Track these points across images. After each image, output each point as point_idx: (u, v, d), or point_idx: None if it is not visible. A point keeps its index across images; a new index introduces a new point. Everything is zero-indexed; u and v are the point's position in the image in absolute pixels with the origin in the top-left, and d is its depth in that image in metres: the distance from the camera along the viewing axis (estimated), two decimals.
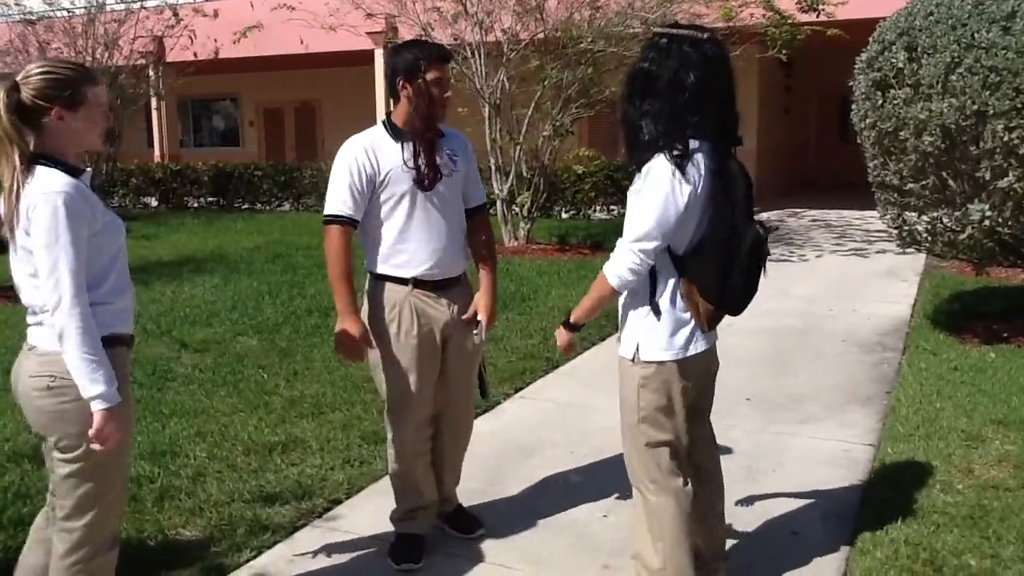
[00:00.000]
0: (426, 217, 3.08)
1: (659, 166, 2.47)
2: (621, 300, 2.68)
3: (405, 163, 3.02)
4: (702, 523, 2.76)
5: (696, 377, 2.68)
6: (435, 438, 3.27)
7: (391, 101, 3.13)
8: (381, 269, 3.12)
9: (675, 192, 2.45)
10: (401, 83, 3.00)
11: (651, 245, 2.49)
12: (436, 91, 2.98)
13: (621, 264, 2.53)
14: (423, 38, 10.90)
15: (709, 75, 2.48)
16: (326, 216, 3.09)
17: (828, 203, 14.47)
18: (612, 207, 13.33)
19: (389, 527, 3.39)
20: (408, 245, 3.08)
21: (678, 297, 2.57)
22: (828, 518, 3.48)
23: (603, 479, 3.87)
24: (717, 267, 2.54)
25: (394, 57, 3.05)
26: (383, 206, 3.06)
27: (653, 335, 2.58)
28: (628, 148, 2.60)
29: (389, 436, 3.23)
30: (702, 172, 2.49)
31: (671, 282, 2.58)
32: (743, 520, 3.46)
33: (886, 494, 3.59)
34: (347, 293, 3.05)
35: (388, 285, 3.11)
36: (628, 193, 2.60)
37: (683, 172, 2.45)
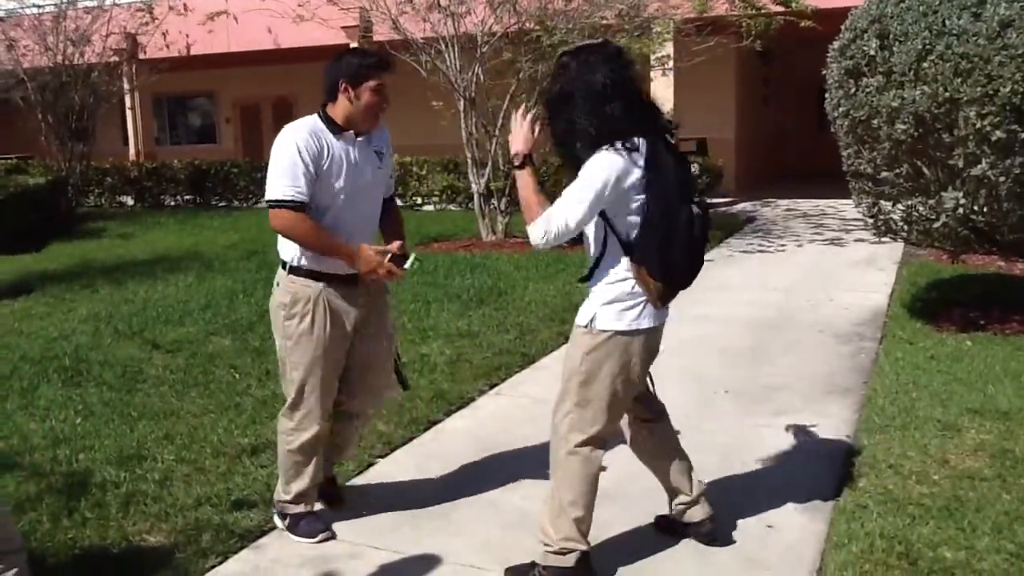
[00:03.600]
0: (353, 211, 3.19)
1: (598, 155, 2.72)
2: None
3: (344, 156, 3.13)
4: (676, 452, 3.19)
5: (641, 351, 2.88)
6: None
7: (329, 98, 3.19)
8: (302, 262, 3.16)
9: (611, 170, 2.70)
10: (344, 86, 3.13)
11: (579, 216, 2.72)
12: (377, 98, 3.15)
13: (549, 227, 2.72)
14: (397, 34, 10.84)
15: (617, 74, 2.75)
16: (274, 200, 3.07)
17: (806, 192, 14.48)
18: None
19: (359, 531, 3.34)
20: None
21: (630, 276, 2.82)
22: (804, 510, 3.45)
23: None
24: (657, 246, 2.78)
25: (337, 62, 3.19)
26: (317, 196, 3.10)
27: (608, 308, 2.82)
28: (569, 164, 2.82)
29: (294, 423, 3.25)
30: (638, 163, 2.74)
31: (623, 261, 2.82)
32: (718, 513, 3.42)
33: (862, 485, 3.56)
34: (341, 244, 3.10)
35: (302, 280, 3.17)
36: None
37: (628, 157, 2.72)
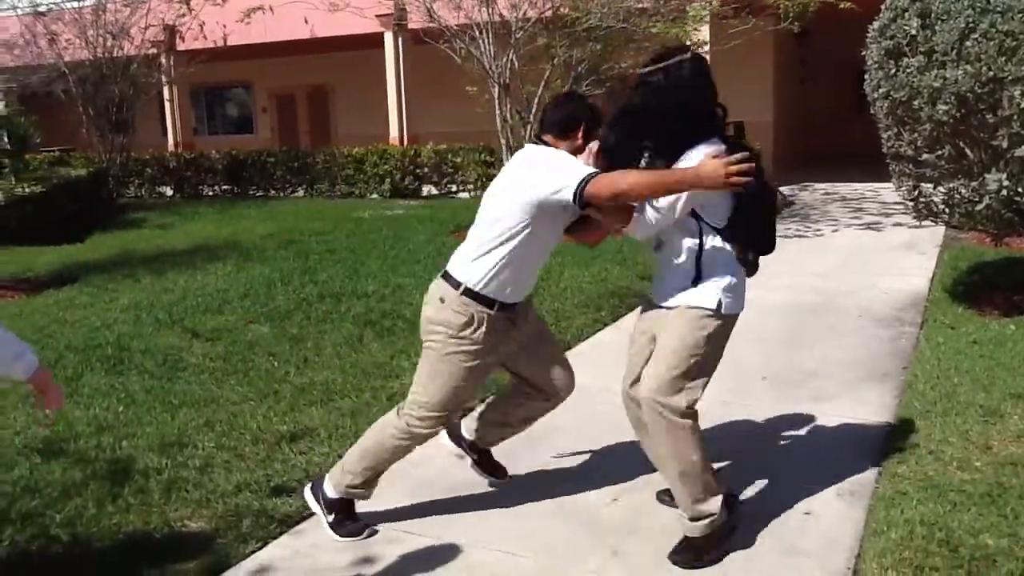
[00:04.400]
0: (547, 246, 3.17)
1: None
2: (674, 270, 3.04)
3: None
4: None
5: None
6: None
7: (554, 132, 3.12)
8: (482, 289, 3.08)
9: None
10: (582, 130, 3.09)
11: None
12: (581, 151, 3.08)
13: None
14: (431, 21, 10.83)
15: (702, 85, 2.94)
16: (586, 177, 2.86)
17: (845, 176, 14.27)
18: None
19: (397, 517, 3.38)
20: (524, 275, 3.15)
21: (735, 259, 3.03)
22: (842, 497, 3.42)
23: (612, 464, 3.82)
24: (754, 225, 3.03)
25: (582, 103, 3.21)
26: (536, 222, 3.00)
27: (730, 292, 3.01)
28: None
29: (415, 426, 3.20)
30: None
31: (726, 246, 3.00)
32: (756, 499, 3.41)
33: (902, 472, 3.52)
34: (678, 171, 2.88)
35: (478, 305, 3.09)
36: None
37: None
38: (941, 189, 5.91)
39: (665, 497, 3.38)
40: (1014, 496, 3.24)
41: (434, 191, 15.45)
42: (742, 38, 11.49)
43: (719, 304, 2.98)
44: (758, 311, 6.26)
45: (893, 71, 5.71)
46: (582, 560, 3.07)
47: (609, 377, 4.86)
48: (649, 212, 2.91)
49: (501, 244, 3.03)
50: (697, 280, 3.00)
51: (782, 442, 3.99)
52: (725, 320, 3.02)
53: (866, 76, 6.02)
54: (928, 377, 4.56)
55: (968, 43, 5.22)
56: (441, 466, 3.86)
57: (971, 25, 5.22)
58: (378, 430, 3.28)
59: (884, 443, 3.89)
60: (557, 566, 3.04)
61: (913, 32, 5.52)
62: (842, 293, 6.78)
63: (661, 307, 3.09)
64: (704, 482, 3.01)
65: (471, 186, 15.12)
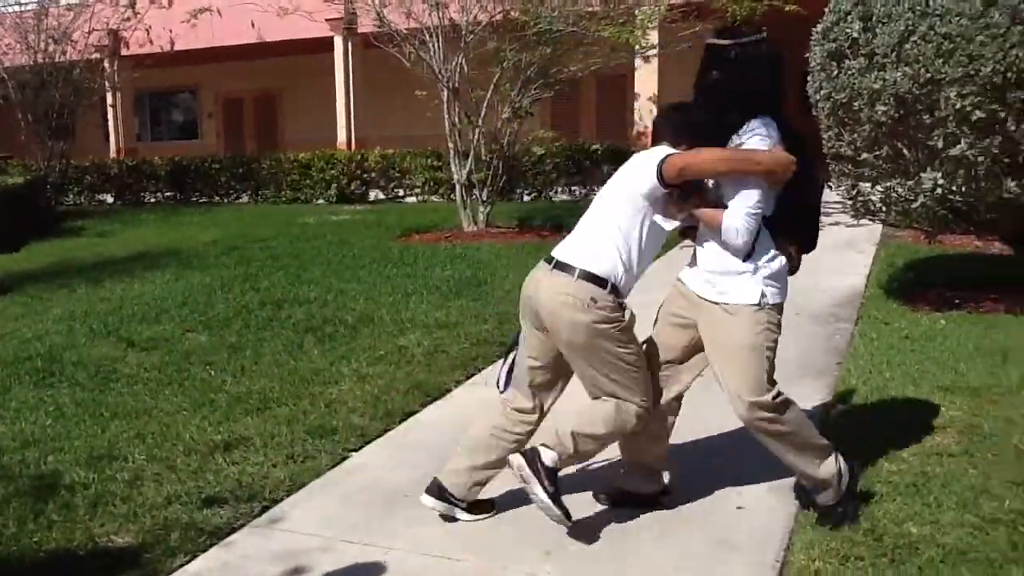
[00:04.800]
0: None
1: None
2: (713, 259, 3.03)
3: None
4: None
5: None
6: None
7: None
8: (622, 281, 3.08)
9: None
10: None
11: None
12: None
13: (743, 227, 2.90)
14: (381, 26, 10.77)
15: (776, 66, 3.01)
16: (668, 153, 3.00)
17: None
18: (574, 188, 13.24)
19: (331, 525, 3.33)
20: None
21: (778, 252, 3.01)
22: (774, 491, 3.44)
23: None
24: (803, 220, 3.06)
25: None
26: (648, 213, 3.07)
27: (771, 283, 3.01)
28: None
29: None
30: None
31: (770, 239, 2.99)
32: (691, 496, 3.42)
33: None
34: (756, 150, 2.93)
35: (619, 300, 3.08)
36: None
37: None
38: (879, 188, 6.02)
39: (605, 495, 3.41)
40: (937, 485, 3.30)
41: (381, 196, 15.38)
42: (691, 41, 11.63)
43: (762, 296, 2.99)
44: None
45: (835, 73, 5.80)
46: (518, 561, 3.06)
47: None
48: (744, 220, 2.89)
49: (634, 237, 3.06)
50: (742, 271, 2.98)
51: (717, 439, 4.01)
52: (774, 310, 3.05)
53: (808, 77, 6.11)
54: (861, 372, 4.63)
55: (907, 46, 5.32)
56: (375, 473, 3.83)
57: (911, 28, 5.31)
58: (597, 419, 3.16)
59: None
60: (494, 569, 3.02)
61: (855, 35, 5.61)
62: None
63: (698, 295, 3.09)
64: (819, 447, 3.10)
65: (418, 190, 15.07)
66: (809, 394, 4.52)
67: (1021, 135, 5.23)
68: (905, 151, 5.61)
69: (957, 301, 5.89)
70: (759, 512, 3.30)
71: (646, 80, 14.18)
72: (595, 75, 14.56)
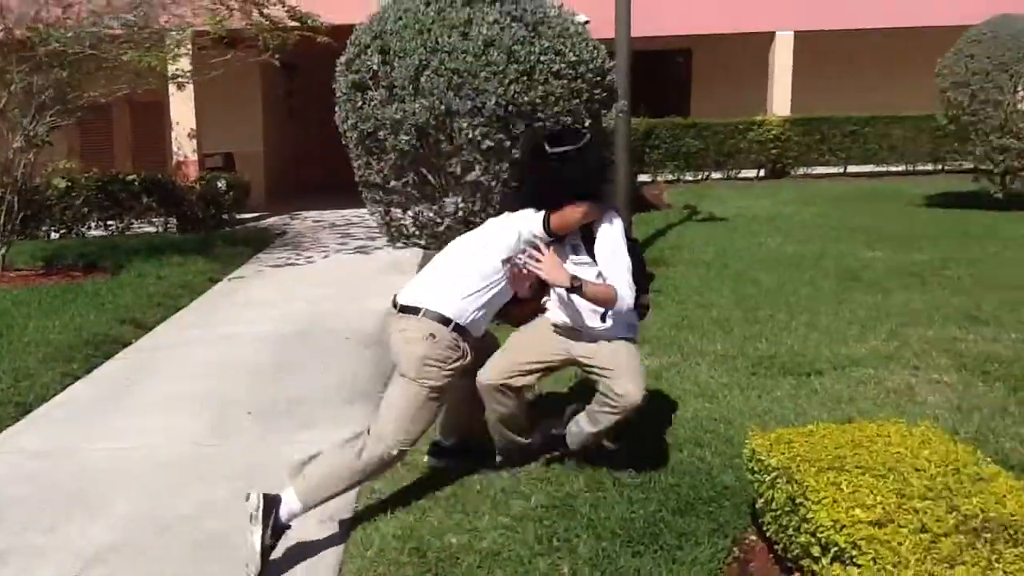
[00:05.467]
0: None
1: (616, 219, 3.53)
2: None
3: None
4: None
5: None
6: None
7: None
8: (467, 323, 3.43)
9: None
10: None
11: None
12: None
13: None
14: None
15: (595, 166, 3.58)
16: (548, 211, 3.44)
17: (334, 204, 14.75)
18: (110, 222, 12.22)
19: None
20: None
21: None
22: (324, 522, 3.42)
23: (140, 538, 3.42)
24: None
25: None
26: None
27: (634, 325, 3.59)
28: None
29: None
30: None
31: None
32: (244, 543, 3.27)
33: (379, 487, 3.64)
34: None
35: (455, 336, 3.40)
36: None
37: None
38: (409, 213, 6.34)
39: None
40: (474, 492, 3.52)
41: None
42: (223, 69, 11.35)
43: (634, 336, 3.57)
44: (247, 343, 6.16)
45: (360, 104, 6.00)
46: None
47: (76, 437, 4.41)
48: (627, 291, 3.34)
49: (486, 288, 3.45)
50: (605, 317, 3.42)
51: (265, 477, 3.89)
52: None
53: (336, 108, 6.25)
54: None
55: (423, 79, 5.66)
56: None
57: (424, 63, 5.66)
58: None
59: None
60: None
61: (375, 67, 5.85)
62: (331, 317, 6.94)
63: (581, 338, 3.50)
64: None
65: None
66: (357, 416, 4.61)
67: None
68: (430, 177, 5.99)
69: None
70: (310, 547, 3.25)
71: (182, 108, 13.61)
72: (128, 102, 13.66)
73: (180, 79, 11.62)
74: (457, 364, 3.38)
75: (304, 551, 3.22)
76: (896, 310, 6.22)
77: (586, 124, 6.02)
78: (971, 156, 11.81)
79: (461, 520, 3.30)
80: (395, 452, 3.29)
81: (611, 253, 3.41)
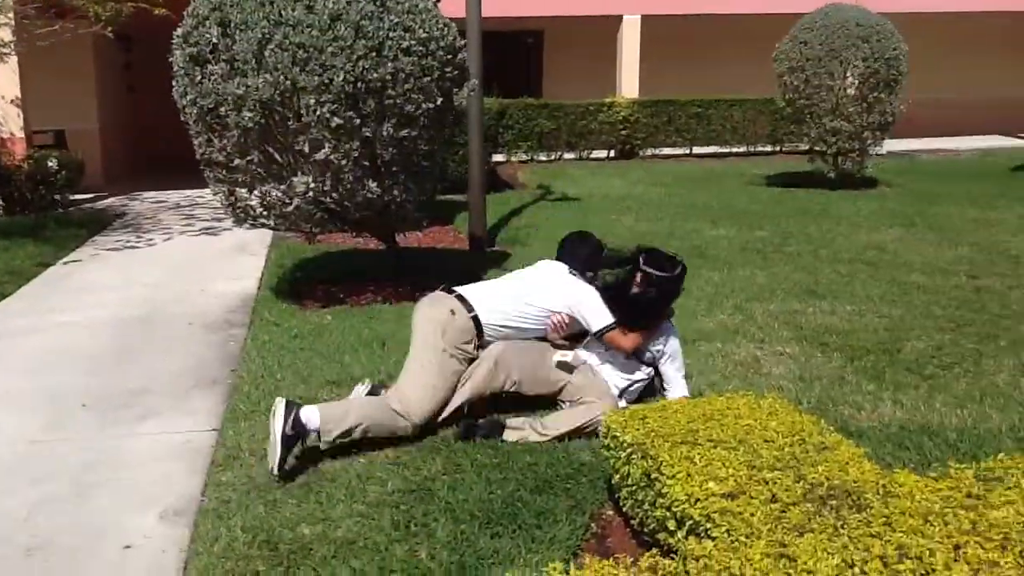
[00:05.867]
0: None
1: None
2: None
3: None
4: None
5: None
6: None
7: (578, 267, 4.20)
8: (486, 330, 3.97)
9: None
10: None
11: None
12: None
13: None
14: None
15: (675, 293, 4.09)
16: (612, 324, 3.95)
17: (178, 183, 14.08)
18: None
19: None
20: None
21: None
22: (167, 519, 3.24)
23: None
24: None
25: (598, 245, 4.39)
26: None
27: None
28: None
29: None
30: None
31: None
32: (73, 540, 3.04)
33: (227, 479, 3.48)
34: None
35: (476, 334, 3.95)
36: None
37: None
38: (256, 193, 6.08)
39: None
40: (327, 480, 3.40)
41: None
42: (50, 41, 10.60)
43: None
44: (84, 331, 5.78)
45: (199, 78, 5.70)
46: None
47: None
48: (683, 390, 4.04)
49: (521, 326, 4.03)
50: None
51: (103, 472, 3.66)
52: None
53: (174, 83, 5.92)
54: (254, 377, 4.62)
55: (266, 53, 5.42)
56: None
57: (267, 36, 5.41)
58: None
59: (212, 453, 3.80)
60: None
61: (215, 40, 5.56)
62: (174, 301, 6.60)
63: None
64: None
65: None
66: (203, 405, 4.40)
67: (379, 140, 5.70)
68: (277, 156, 5.76)
69: (341, 296, 6.24)
70: (152, 546, 3.07)
71: (6, 81, 12.66)
72: None
73: (2, 51, 10.81)
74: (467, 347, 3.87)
75: (145, 550, 3.03)
76: (741, 285, 6.45)
77: (438, 102, 5.95)
78: (806, 138, 12.36)
79: (314, 509, 3.18)
80: (403, 429, 3.69)
81: (670, 359, 4.04)
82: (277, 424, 3.43)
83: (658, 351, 4.02)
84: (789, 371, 4.60)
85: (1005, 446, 3.52)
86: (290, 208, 5.89)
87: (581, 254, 4.18)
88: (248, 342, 5.34)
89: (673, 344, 4.05)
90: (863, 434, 3.68)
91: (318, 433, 3.55)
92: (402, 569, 2.78)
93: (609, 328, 3.90)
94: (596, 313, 3.94)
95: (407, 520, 3.07)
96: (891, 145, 13.34)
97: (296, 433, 3.47)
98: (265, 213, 6.18)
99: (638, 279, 3.90)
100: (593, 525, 3.07)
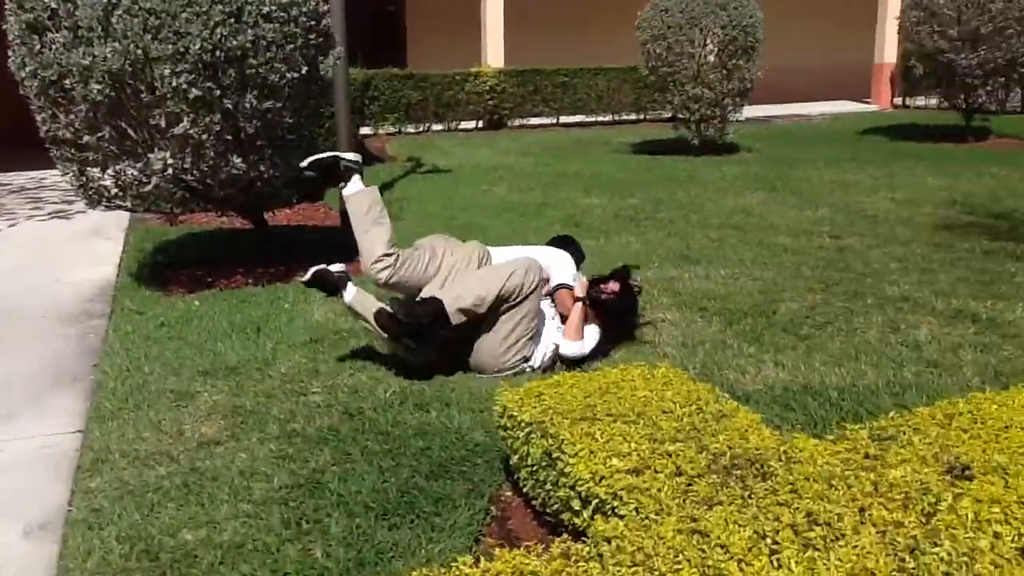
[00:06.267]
0: None
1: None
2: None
3: None
4: None
5: None
6: None
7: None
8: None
9: None
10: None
11: None
12: None
13: None
14: None
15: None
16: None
17: (25, 163, 13.13)
18: None
19: None
20: None
21: None
22: (31, 535, 2.97)
23: None
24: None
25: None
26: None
27: None
28: None
29: None
30: None
31: None
32: None
33: (97, 485, 3.21)
34: None
35: None
36: None
37: None
38: (109, 172, 5.69)
39: None
40: (208, 479, 3.19)
41: None
42: None
43: None
44: None
45: (38, 48, 5.27)
46: None
47: None
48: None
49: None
50: None
51: None
52: None
53: (9, 52, 5.45)
54: (119, 371, 4.32)
55: (113, 19, 5.05)
56: None
57: (114, 2, 5.05)
58: None
59: (78, 457, 3.52)
60: None
61: (54, 6, 5.15)
62: (25, 293, 6.11)
63: None
64: None
65: None
66: (64, 404, 4.08)
67: (241, 112, 5.41)
68: (130, 131, 5.40)
69: (209, 279, 5.92)
70: (13, 566, 2.80)
71: None
72: None
73: None
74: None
75: (8, 572, 2.76)
76: (618, 253, 6.48)
77: (303, 71, 5.70)
78: (670, 105, 12.59)
79: (196, 512, 2.97)
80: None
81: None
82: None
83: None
84: (672, 338, 4.64)
85: (884, 402, 3.64)
86: (148, 187, 5.54)
87: (569, 246, 4.68)
88: (110, 334, 4.99)
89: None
90: (750, 398, 3.74)
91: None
92: (296, 571, 2.63)
93: (565, 286, 4.34)
94: (563, 271, 4.40)
95: (298, 517, 2.91)
96: (749, 111, 13.74)
97: (327, 266, 4.19)
98: (121, 194, 5.80)
99: (612, 285, 4.47)
100: (493, 508, 2.99)
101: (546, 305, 4.34)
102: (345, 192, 4.36)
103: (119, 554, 2.75)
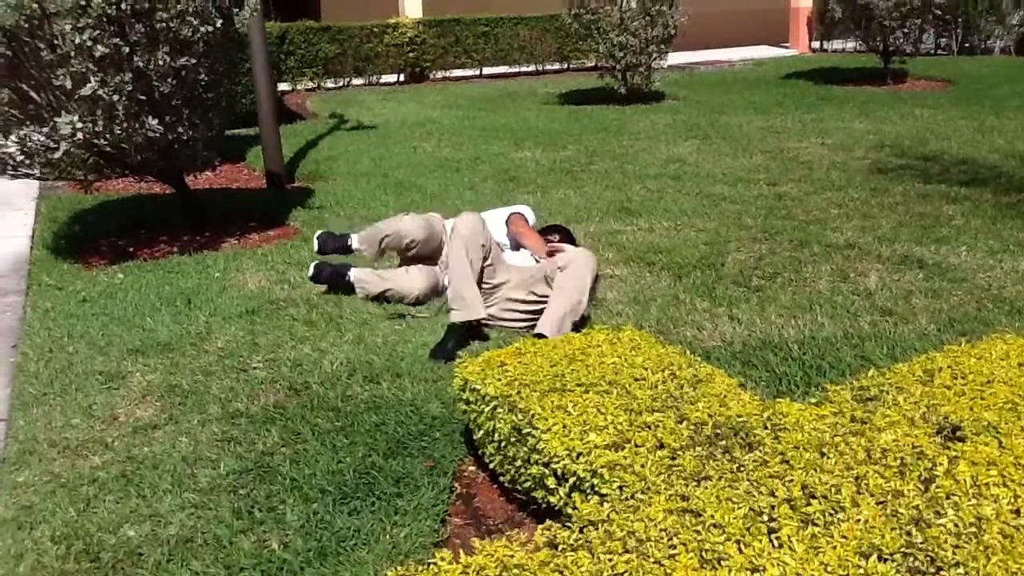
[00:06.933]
0: None
1: None
2: None
3: None
4: None
5: None
6: None
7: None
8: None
9: None
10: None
11: None
12: None
13: None
14: None
15: None
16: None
17: None
18: None
19: None
20: None
21: None
22: None
23: None
24: None
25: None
26: None
27: None
28: None
29: None
30: None
31: None
32: None
33: (25, 480, 2.96)
34: None
35: None
36: None
37: None
38: (13, 138, 5.29)
39: None
40: (148, 467, 2.98)
41: None
42: None
43: None
44: None
45: None
46: None
47: None
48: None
49: None
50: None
51: None
52: None
53: None
54: (40, 353, 4.02)
55: None
56: None
57: None
58: None
59: (3, 449, 3.25)
60: None
61: None
62: None
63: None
64: None
65: None
66: None
67: (154, 71, 5.09)
68: (33, 94, 5.02)
69: (131, 250, 5.60)
70: None
71: None
72: None
73: None
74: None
75: None
76: (558, 208, 6.34)
77: (217, 24, 5.37)
78: (594, 54, 12.41)
79: (137, 505, 2.76)
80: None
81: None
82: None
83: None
84: (623, 295, 4.53)
85: (844, 354, 3.60)
86: (58, 154, 5.17)
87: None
88: (28, 312, 4.65)
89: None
90: (710, 355, 3.66)
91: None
92: (252, 565, 2.45)
93: (515, 213, 4.60)
94: (516, 208, 4.70)
95: (249, 506, 2.73)
96: (672, 59, 13.64)
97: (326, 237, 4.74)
98: (27, 161, 5.40)
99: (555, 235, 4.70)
100: (457, 485, 2.85)
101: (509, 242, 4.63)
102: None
103: (55, 555, 2.53)
